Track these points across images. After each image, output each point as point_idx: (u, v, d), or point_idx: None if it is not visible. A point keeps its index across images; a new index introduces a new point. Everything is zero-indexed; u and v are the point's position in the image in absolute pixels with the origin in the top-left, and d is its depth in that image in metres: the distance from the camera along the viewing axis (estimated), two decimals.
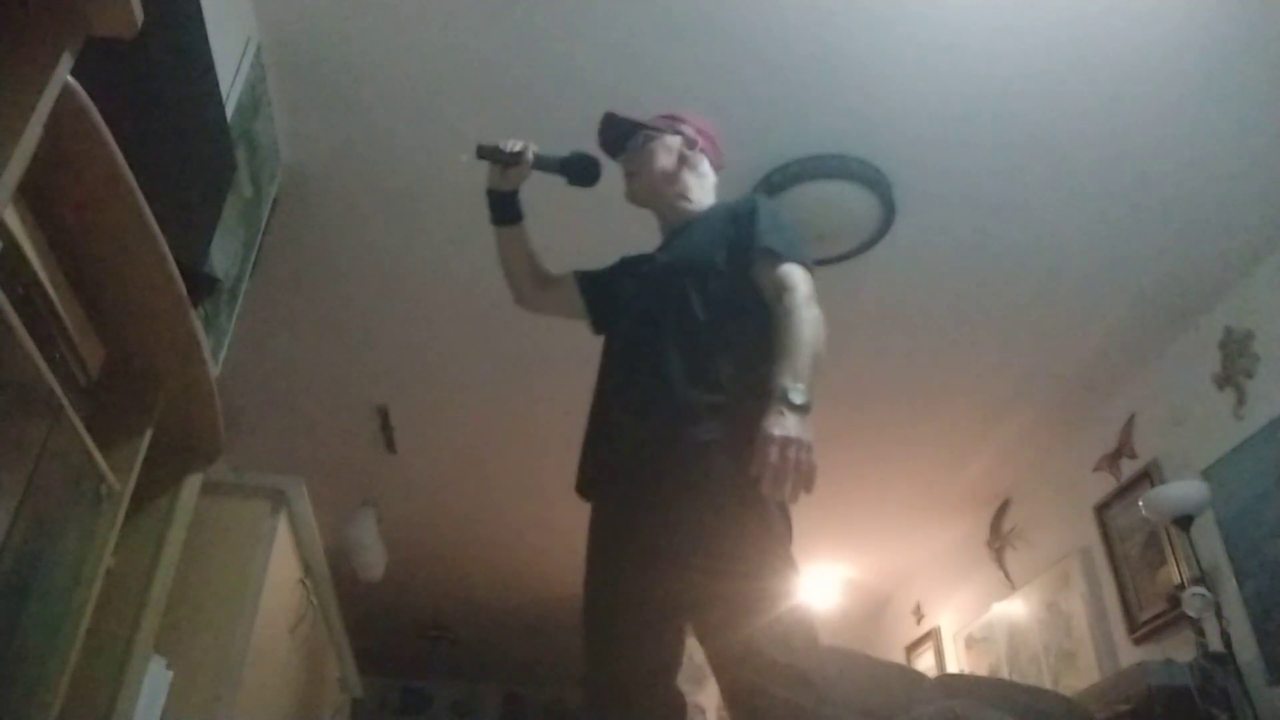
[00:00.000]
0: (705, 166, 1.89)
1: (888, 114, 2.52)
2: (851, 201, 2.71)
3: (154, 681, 1.90)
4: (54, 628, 1.34)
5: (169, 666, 2.04)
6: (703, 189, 1.87)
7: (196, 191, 1.75)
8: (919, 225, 2.85)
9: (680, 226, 1.82)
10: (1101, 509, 3.61)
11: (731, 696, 1.39)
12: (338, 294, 3.26)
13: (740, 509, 1.41)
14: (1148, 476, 3.32)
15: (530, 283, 1.92)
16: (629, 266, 1.87)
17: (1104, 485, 3.61)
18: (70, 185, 1.18)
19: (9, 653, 1.22)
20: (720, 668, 1.41)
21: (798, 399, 1.38)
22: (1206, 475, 3.01)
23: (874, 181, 2.68)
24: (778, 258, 1.59)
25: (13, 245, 1.14)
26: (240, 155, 2.22)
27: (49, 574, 1.30)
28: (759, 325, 1.56)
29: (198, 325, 1.53)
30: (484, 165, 1.81)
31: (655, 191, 1.86)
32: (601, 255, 1.95)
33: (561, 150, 1.82)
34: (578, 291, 1.91)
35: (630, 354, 1.66)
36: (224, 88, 2.02)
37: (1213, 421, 3.08)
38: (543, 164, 1.80)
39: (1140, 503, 3.04)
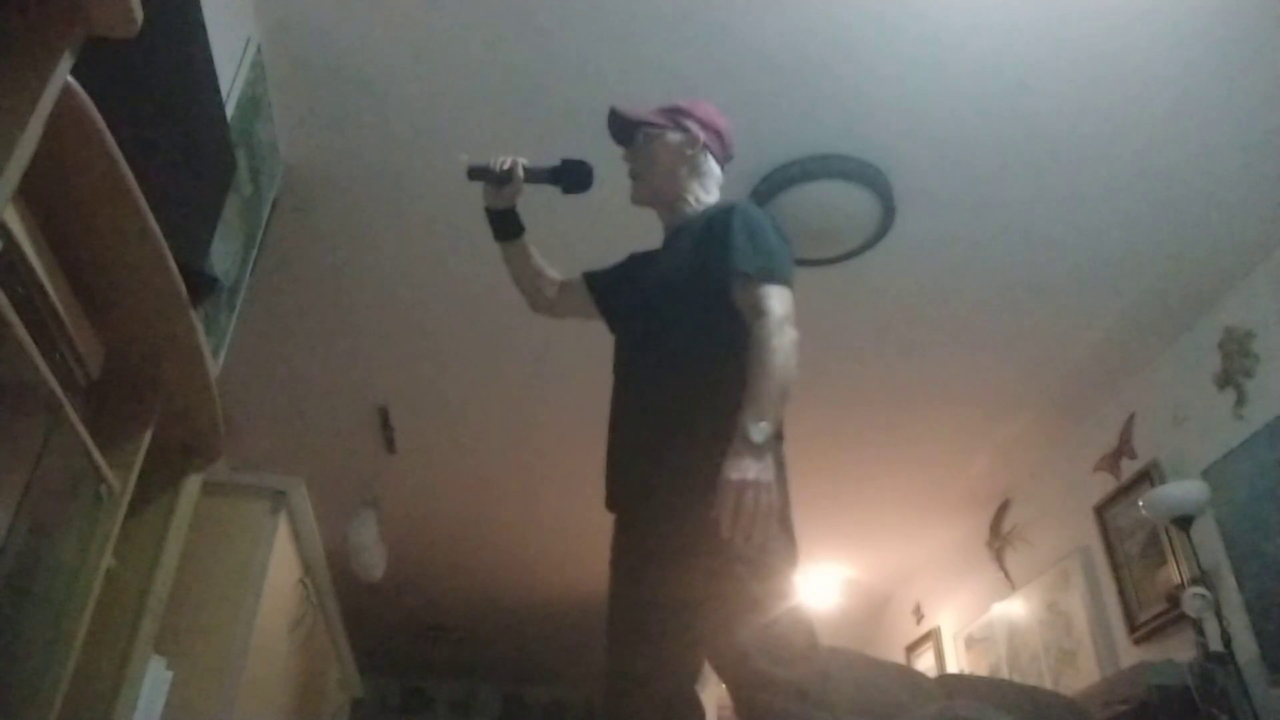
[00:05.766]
0: (709, 164, 1.86)
1: (888, 114, 2.52)
2: (851, 201, 2.71)
3: (154, 681, 1.90)
4: (54, 628, 1.34)
5: (169, 666, 2.04)
6: (704, 188, 1.84)
7: (196, 191, 1.75)
8: (919, 225, 2.85)
9: (677, 228, 1.82)
10: (1101, 509, 3.60)
11: (734, 703, 1.41)
12: (338, 294, 3.26)
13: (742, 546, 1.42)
14: (1148, 476, 3.32)
15: (541, 292, 1.96)
16: (635, 265, 1.88)
17: (1104, 485, 3.61)
18: (70, 185, 1.18)
19: (9, 653, 1.22)
20: (720, 672, 1.43)
21: (757, 438, 1.38)
22: (1206, 475, 3.01)
23: (874, 181, 2.68)
24: (750, 279, 1.56)
25: (13, 245, 1.14)
26: (240, 155, 2.22)
27: (49, 574, 1.30)
28: (739, 341, 1.55)
29: (198, 325, 1.53)
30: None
31: (656, 195, 1.86)
32: (609, 253, 1.96)
33: (550, 160, 1.83)
34: (588, 293, 1.93)
35: (630, 373, 1.70)
36: (224, 88, 2.02)
37: (1213, 421, 3.08)
38: (533, 176, 1.83)
39: (1140, 503, 3.04)
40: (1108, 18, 2.25)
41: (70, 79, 1.03)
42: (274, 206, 2.68)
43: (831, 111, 2.52)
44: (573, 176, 1.83)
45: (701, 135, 1.84)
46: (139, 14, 1.05)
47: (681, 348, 1.61)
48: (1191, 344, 3.24)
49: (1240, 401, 2.97)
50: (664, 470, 1.51)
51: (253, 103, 2.33)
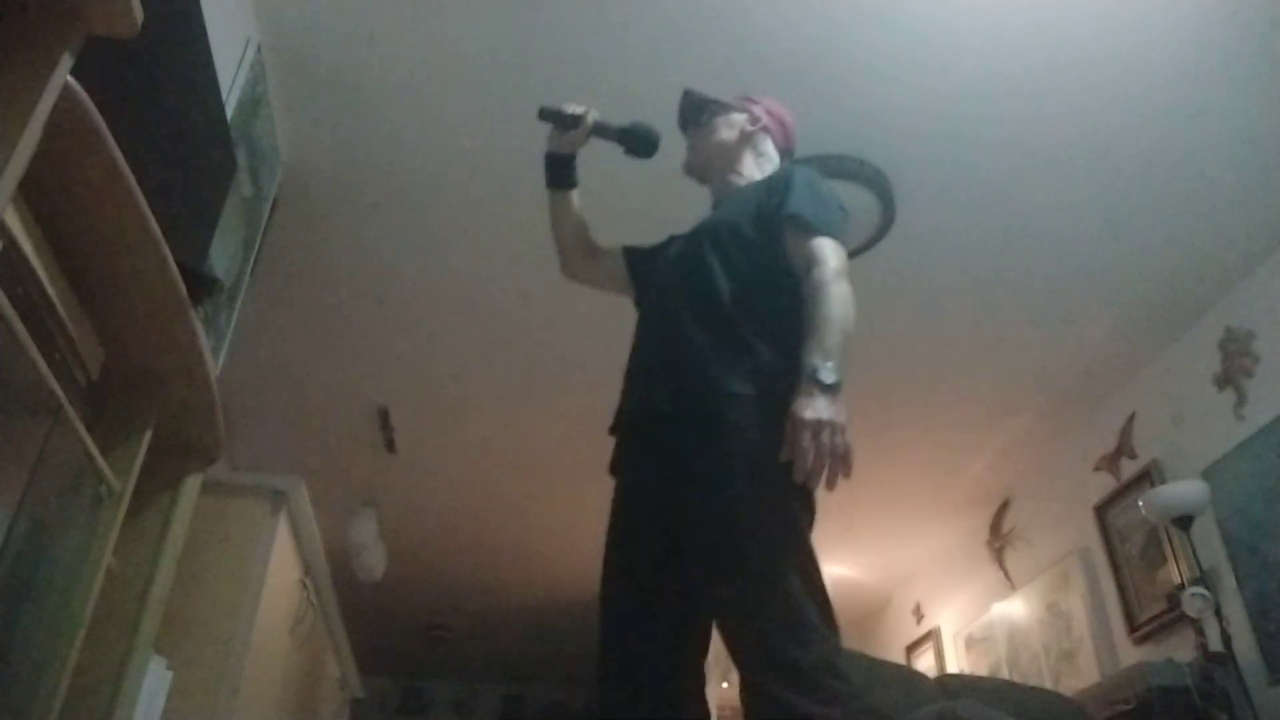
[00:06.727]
0: (767, 146, 1.86)
1: (888, 114, 2.52)
2: (851, 201, 2.70)
3: (154, 681, 1.90)
4: (54, 628, 1.34)
5: (169, 666, 2.05)
6: (759, 167, 1.83)
7: (196, 191, 1.75)
8: (919, 225, 2.85)
9: (726, 196, 1.79)
10: (1101, 509, 3.60)
11: (750, 700, 1.30)
12: (338, 294, 3.26)
13: (759, 469, 1.35)
14: (1148, 476, 3.32)
15: (578, 252, 1.89)
16: (675, 240, 1.82)
17: (1104, 485, 3.61)
18: (70, 185, 1.18)
19: (9, 653, 1.22)
20: (735, 653, 1.32)
21: (828, 378, 1.33)
22: (1206, 475, 3.01)
23: (874, 181, 2.68)
24: (807, 228, 1.53)
25: (13, 245, 1.14)
26: (240, 155, 2.22)
27: (49, 574, 1.30)
28: (785, 292, 1.52)
29: (198, 325, 1.53)
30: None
31: (709, 164, 1.84)
32: (657, 233, 1.92)
33: (623, 120, 1.81)
34: (624, 265, 1.87)
35: (657, 322, 1.64)
36: (224, 88, 2.02)
37: (1213, 421, 3.08)
38: (602, 131, 1.80)
39: (1140, 503, 3.04)
40: (1108, 19, 2.25)
41: (70, 79, 1.03)
42: (274, 206, 2.68)
43: (831, 111, 2.52)
44: (639, 139, 1.79)
45: (764, 118, 1.86)
46: (139, 14, 1.05)
47: (726, 278, 1.54)
48: (1191, 344, 3.24)
49: (1240, 401, 2.97)
50: (697, 407, 1.41)
51: (253, 103, 2.32)
